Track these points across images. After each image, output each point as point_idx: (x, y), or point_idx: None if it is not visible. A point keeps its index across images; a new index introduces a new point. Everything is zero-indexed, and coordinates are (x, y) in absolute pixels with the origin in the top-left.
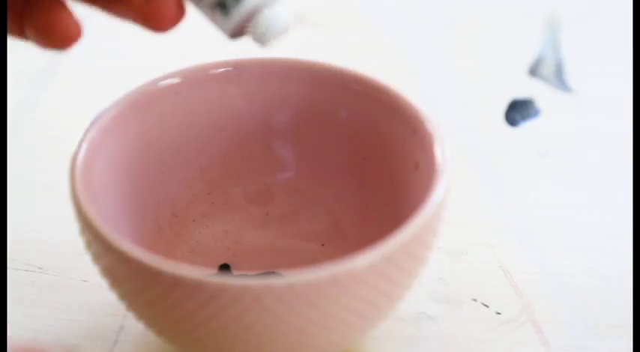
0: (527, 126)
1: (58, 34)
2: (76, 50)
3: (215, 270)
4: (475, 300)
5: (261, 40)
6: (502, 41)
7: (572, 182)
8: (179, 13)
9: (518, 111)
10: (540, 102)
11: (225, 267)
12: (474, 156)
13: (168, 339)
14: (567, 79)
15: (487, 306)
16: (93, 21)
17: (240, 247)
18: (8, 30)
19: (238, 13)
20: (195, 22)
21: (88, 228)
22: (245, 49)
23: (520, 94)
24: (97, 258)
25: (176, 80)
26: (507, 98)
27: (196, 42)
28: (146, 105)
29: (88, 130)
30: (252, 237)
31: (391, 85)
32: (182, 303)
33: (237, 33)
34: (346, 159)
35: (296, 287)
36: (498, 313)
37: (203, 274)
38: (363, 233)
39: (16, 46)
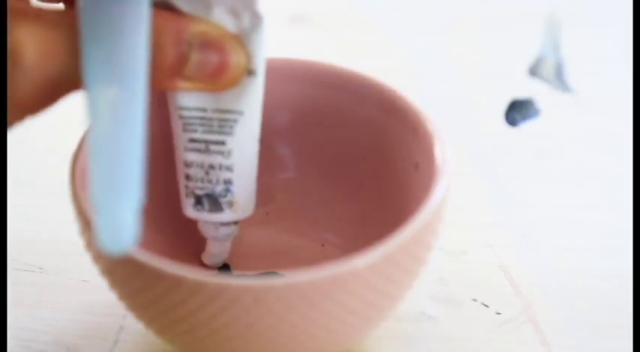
0: (527, 126)
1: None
2: None
3: (215, 270)
4: (475, 300)
5: None
6: (502, 41)
7: (572, 182)
8: None
9: (518, 111)
10: (540, 102)
11: (225, 267)
12: (474, 156)
13: (168, 339)
14: (567, 79)
15: (487, 306)
16: None
17: (240, 247)
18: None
19: None
20: None
21: (88, 228)
22: None
23: (520, 94)
24: (97, 258)
25: None
26: (507, 98)
27: None
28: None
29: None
30: (252, 237)
31: (391, 85)
32: (182, 303)
33: None
34: (346, 159)
35: (296, 287)
36: (498, 313)
37: (203, 274)
38: (363, 233)
39: None
